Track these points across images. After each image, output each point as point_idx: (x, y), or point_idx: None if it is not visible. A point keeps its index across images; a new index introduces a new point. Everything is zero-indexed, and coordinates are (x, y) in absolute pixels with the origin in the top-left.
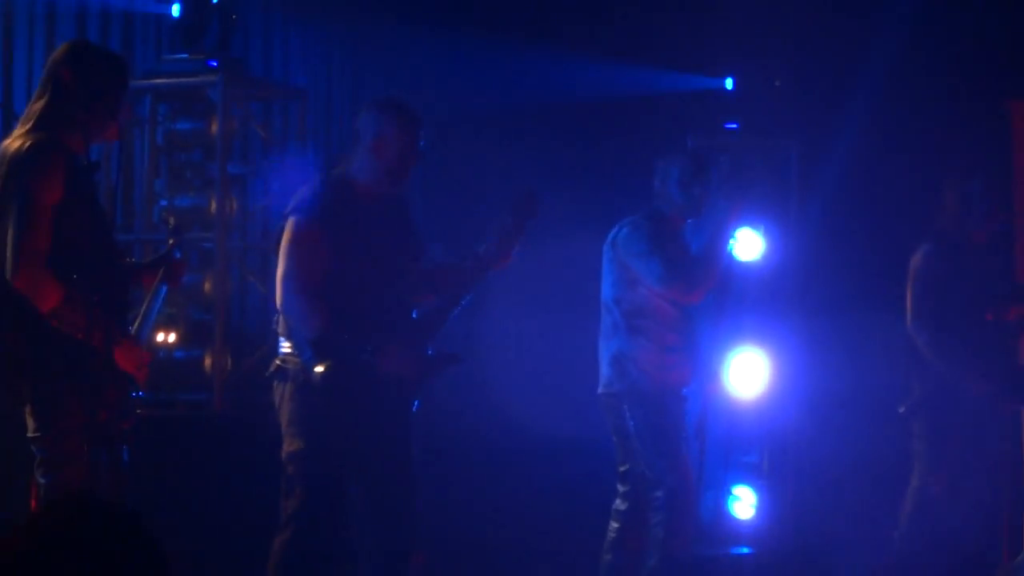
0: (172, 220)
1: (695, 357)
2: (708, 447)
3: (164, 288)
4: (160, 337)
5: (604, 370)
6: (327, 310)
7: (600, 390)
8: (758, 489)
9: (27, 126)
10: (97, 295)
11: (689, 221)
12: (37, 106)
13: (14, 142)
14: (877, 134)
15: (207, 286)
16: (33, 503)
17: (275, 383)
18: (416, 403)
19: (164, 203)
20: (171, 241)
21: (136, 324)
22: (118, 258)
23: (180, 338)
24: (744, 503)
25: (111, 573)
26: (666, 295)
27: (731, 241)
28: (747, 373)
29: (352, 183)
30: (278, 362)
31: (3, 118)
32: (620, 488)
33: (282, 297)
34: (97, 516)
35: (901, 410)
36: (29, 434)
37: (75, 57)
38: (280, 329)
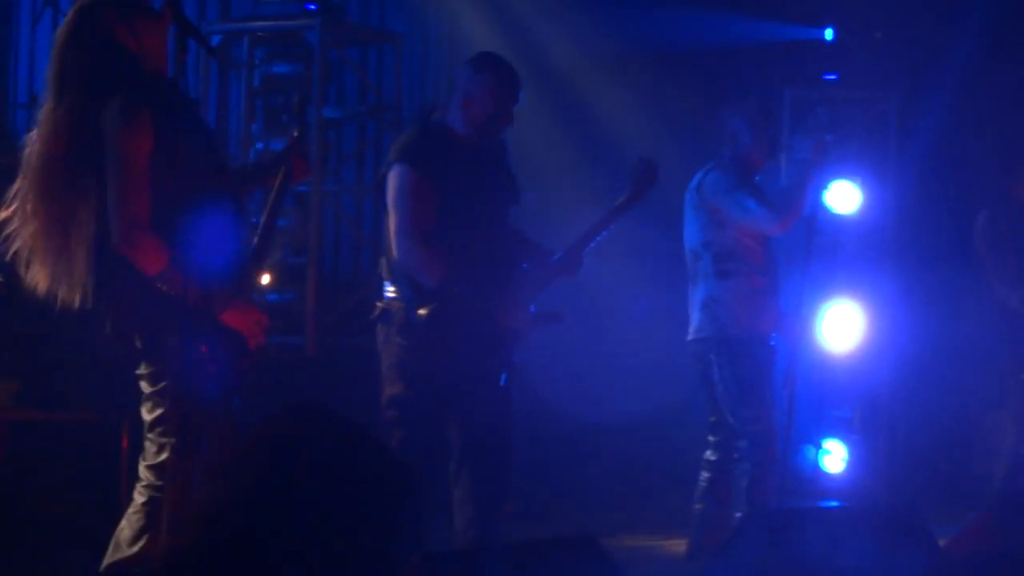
0: (297, 100)
1: (779, 302)
2: (798, 399)
3: (288, 184)
4: None
5: (694, 316)
6: (446, 258)
7: (689, 336)
8: (849, 443)
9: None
10: (207, 245)
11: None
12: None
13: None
14: (977, 86)
15: (301, 230)
16: (125, 440)
17: (378, 326)
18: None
19: (260, 146)
20: (295, 132)
21: (257, 236)
22: (230, 189)
23: (273, 281)
24: (835, 457)
25: (347, 476)
26: (753, 225)
27: (820, 188)
28: (842, 326)
29: (450, 131)
30: (381, 305)
31: None
32: (710, 438)
33: (400, 247)
34: (329, 423)
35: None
36: (138, 371)
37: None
38: (384, 272)
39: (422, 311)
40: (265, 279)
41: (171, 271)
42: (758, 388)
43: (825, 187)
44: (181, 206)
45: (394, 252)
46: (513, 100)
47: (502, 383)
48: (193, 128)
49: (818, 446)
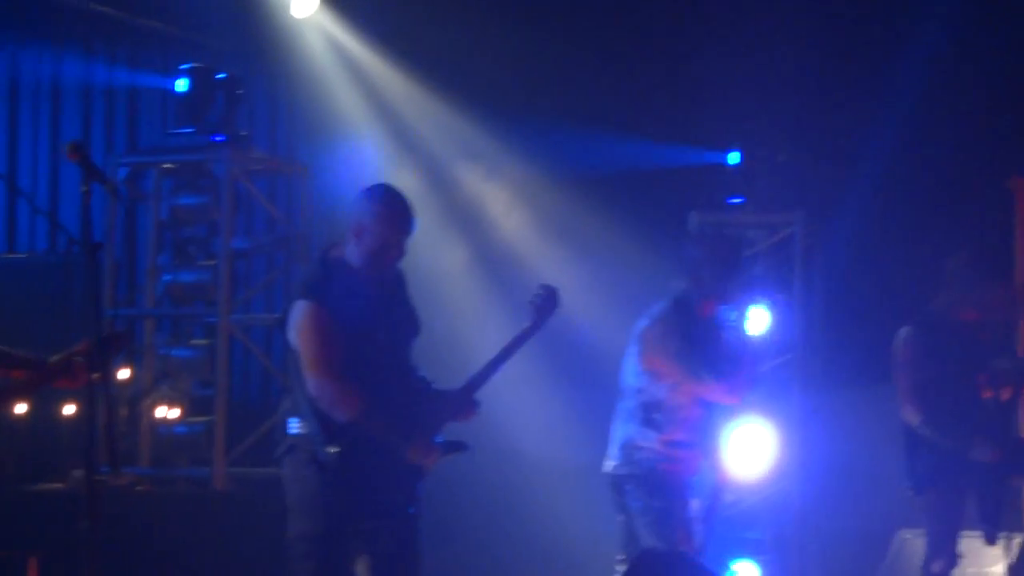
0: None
1: (707, 449)
2: (714, 529)
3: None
4: (162, 412)
5: (613, 451)
6: (359, 395)
7: (607, 469)
8: (762, 564)
9: None
10: None
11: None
12: None
13: None
14: (881, 209)
15: (209, 361)
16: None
17: (284, 461)
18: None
19: (168, 278)
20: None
21: None
22: None
23: (182, 413)
24: None
25: None
26: (706, 394)
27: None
28: (752, 447)
29: (348, 265)
30: (288, 442)
31: (5, 192)
32: (619, 568)
33: (313, 382)
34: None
35: (908, 488)
36: None
37: None
38: (290, 408)
39: (332, 449)
40: (174, 412)
41: None
42: (677, 522)
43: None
44: None
45: (306, 387)
46: (403, 231)
47: (410, 512)
48: None
49: (728, 568)
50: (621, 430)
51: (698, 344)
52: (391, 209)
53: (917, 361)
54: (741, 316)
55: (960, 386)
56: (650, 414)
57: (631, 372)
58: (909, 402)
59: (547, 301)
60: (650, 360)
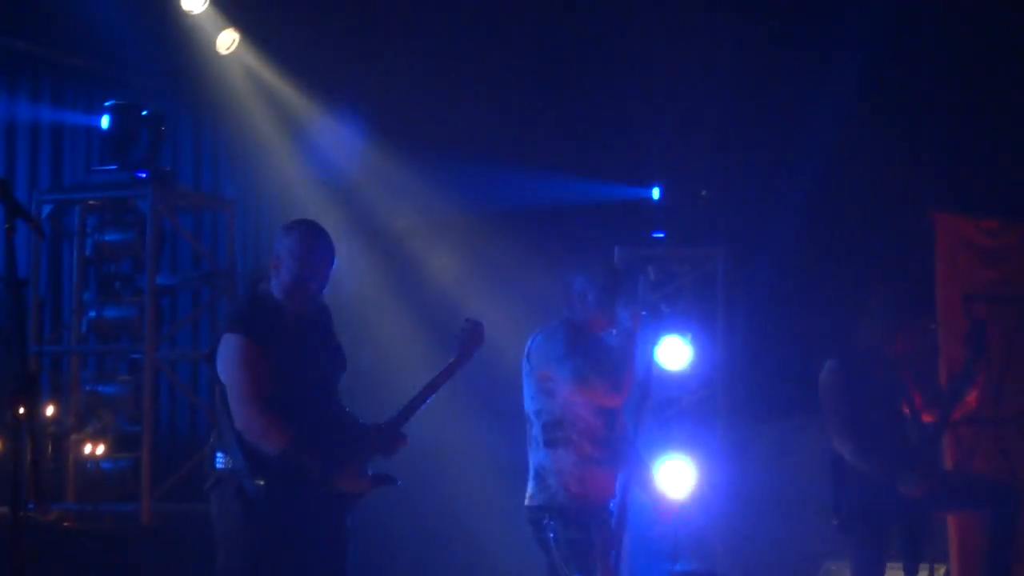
0: None
1: (617, 469)
2: (632, 555)
3: None
4: (88, 448)
5: (529, 482)
6: (287, 427)
7: (525, 502)
8: None
9: None
10: None
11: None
12: None
13: None
14: (802, 242)
15: (135, 397)
16: None
17: (212, 496)
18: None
19: (93, 314)
20: None
21: None
22: None
23: (108, 449)
24: None
25: None
26: (588, 395)
27: (646, 347)
28: (675, 479)
29: (273, 298)
30: (214, 476)
31: None
32: None
33: (240, 415)
34: None
35: (835, 523)
36: None
37: None
38: (217, 442)
39: (258, 482)
40: (100, 448)
41: None
42: (595, 551)
43: (651, 352)
44: None
45: (234, 421)
46: (319, 263)
47: (339, 545)
48: None
49: None
50: (532, 459)
51: (586, 350)
52: (306, 241)
53: (844, 394)
54: (631, 329)
55: (885, 420)
56: (552, 433)
57: (529, 396)
58: (838, 435)
59: (472, 335)
60: (541, 376)
